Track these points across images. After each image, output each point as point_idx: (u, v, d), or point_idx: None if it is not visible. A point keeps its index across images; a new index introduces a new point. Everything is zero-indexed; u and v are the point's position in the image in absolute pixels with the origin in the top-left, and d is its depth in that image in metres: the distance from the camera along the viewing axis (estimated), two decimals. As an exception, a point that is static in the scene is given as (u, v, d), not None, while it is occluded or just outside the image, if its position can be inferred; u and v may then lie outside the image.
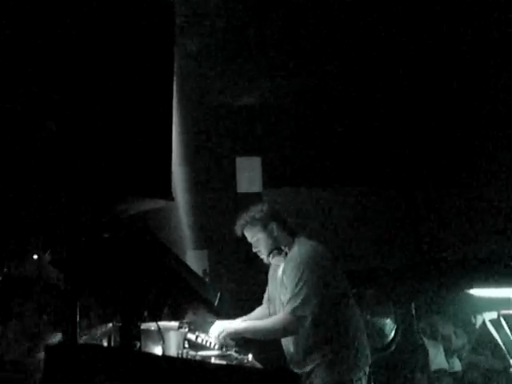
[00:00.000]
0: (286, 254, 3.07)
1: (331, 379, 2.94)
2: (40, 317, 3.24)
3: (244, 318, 3.31)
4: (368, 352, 3.11)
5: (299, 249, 3.06)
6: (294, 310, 2.88)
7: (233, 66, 5.00)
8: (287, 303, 2.93)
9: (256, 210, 3.14)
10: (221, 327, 2.98)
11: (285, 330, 2.95)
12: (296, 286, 2.91)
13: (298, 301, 2.88)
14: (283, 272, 3.06)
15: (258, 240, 3.12)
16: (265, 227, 3.10)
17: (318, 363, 2.95)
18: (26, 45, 1.46)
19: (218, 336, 2.94)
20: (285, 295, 3.01)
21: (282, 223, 3.15)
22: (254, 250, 3.17)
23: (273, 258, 3.10)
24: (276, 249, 3.09)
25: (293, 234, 3.15)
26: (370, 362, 3.09)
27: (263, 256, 3.15)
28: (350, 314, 3.08)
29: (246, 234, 3.15)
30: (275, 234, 3.10)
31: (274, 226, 3.10)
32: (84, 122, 1.53)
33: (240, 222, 3.13)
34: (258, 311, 3.37)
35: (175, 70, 1.72)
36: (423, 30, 4.59)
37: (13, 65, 1.46)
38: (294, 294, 2.91)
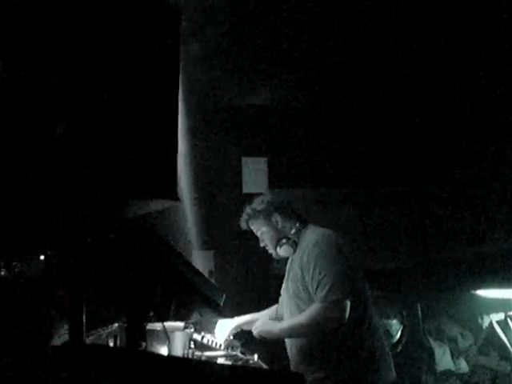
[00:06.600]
0: (295, 242, 2.88)
1: None
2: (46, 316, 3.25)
3: (255, 314, 3.16)
4: (390, 363, 2.80)
5: (315, 233, 2.86)
6: (326, 297, 2.62)
7: (239, 67, 5.01)
8: (315, 292, 2.67)
9: (258, 202, 2.99)
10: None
11: (326, 319, 2.62)
12: (319, 271, 2.66)
13: (328, 286, 2.62)
14: (297, 255, 2.84)
15: (262, 233, 2.98)
16: (268, 219, 2.94)
17: (321, 367, 2.72)
18: (33, 47, 1.47)
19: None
20: (294, 282, 2.82)
21: (287, 213, 2.97)
22: (262, 245, 3.02)
23: (280, 248, 2.91)
24: (283, 238, 2.90)
25: (303, 222, 2.96)
26: (393, 376, 2.78)
27: (271, 251, 2.99)
28: (368, 315, 2.79)
29: (252, 227, 3.02)
30: (279, 225, 2.93)
31: (277, 217, 2.94)
32: (91, 124, 1.54)
33: (243, 216, 3.01)
34: (273, 309, 3.16)
35: (181, 71, 1.73)
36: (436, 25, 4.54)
37: (20, 66, 1.47)
38: (318, 282, 2.66)
